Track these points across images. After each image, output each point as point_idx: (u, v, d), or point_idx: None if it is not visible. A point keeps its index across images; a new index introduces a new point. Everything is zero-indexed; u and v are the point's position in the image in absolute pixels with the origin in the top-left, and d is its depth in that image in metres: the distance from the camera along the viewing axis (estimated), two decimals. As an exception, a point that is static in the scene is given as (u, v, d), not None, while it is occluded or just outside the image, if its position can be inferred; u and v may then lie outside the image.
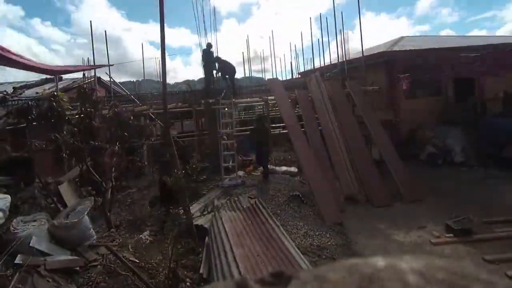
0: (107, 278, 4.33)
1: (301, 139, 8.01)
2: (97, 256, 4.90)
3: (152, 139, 7.64)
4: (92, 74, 13.04)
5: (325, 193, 6.60)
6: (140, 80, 14.51)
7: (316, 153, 7.75)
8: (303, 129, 8.54)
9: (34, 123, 7.37)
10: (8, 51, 6.62)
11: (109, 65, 12.34)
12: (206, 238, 5.34)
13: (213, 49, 11.94)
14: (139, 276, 4.17)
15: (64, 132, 6.27)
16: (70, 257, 4.81)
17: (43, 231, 5.12)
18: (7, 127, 8.48)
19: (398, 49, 11.62)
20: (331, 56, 12.72)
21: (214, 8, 13.71)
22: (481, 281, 0.31)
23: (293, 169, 8.87)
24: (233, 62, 12.47)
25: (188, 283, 4.50)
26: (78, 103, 6.76)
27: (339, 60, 11.87)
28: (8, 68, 8.17)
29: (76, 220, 5.36)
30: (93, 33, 11.25)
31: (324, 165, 7.49)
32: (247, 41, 15.75)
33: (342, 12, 12.68)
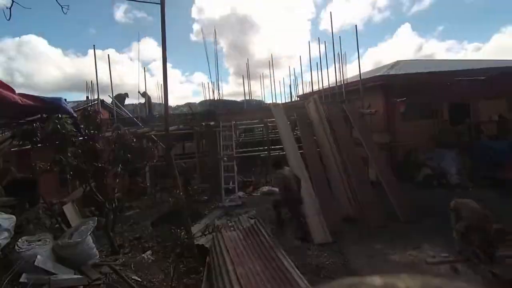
0: (110, 296, 4.41)
1: (298, 166, 8.16)
2: (100, 275, 5.00)
3: (154, 161, 7.81)
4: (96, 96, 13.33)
5: (315, 217, 6.71)
6: (142, 102, 14.77)
7: (314, 174, 7.92)
8: (301, 151, 8.77)
9: (39, 145, 7.54)
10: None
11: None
12: (207, 258, 5.44)
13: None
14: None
15: (68, 154, 6.37)
16: (74, 276, 4.90)
17: (48, 251, 5.23)
18: (12, 149, 8.67)
19: (394, 73, 11.93)
20: (329, 79, 13.06)
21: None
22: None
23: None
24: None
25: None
26: (82, 126, 6.92)
27: (337, 84, 12.20)
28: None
29: (80, 239, 5.47)
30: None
31: (321, 186, 7.65)
32: (247, 64, 16.26)
33: (340, 37, 13.11)
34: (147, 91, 14.43)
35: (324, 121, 9.45)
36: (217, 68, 15.12)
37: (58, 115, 6.94)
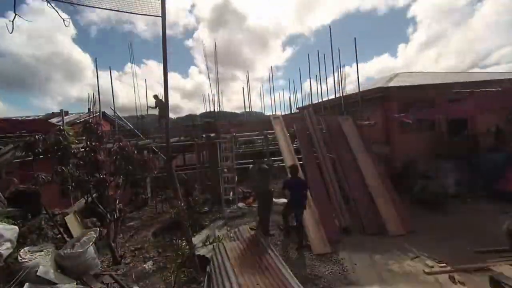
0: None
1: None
2: (102, 285, 5.07)
3: (155, 172, 7.89)
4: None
5: (314, 227, 6.81)
6: (144, 114, 14.91)
7: (313, 185, 8.01)
8: (301, 162, 8.88)
9: (41, 156, 7.62)
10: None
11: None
12: (208, 268, 5.50)
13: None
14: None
15: (70, 165, 6.45)
16: (76, 286, 4.95)
17: (50, 261, 5.29)
18: (15, 160, 8.76)
19: (393, 85, 12.02)
20: (328, 91, 13.24)
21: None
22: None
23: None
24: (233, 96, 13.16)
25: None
26: (84, 137, 7.00)
27: (336, 96, 12.36)
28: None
29: (82, 250, 5.55)
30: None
31: (320, 197, 7.73)
32: (247, 77, 16.49)
33: (339, 49, 13.25)
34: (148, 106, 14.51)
35: (318, 134, 9.60)
36: (217, 83, 15.30)
37: (60, 127, 7.05)
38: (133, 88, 14.98)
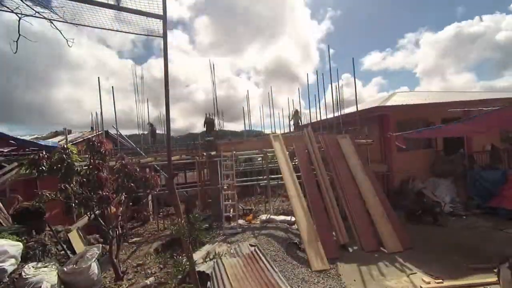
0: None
1: (296, 195, 8.45)
2: (105, 300, 5.14)
3: (157, 190, 8.03)
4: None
5: (312, 244, 6.92)
6: (146, 133, 15.16)
7: (313, 203, 8.15)
8: (300, 180, 9.04)
9: (45, 174, 7.75)
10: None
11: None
12: (208, 284, 5.59)
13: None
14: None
15: (74, 182, 6.57)
16: (79, 301, 5.05)
17: (54, 277, 5.40)
18: (19, 178, 8.91)
19: (390, 104, 12.23)
20: (327, 110, 13.48)
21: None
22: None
23: (291, 218, 9.14)
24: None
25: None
26: (87, 155, 7.15)
27: (335, 115, 12.60)
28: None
29: (85, 266, 5.66)
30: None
31: (319, 214, 7.87)
32: (247, 96, 16.80)
33: (337, 69, 13.65)
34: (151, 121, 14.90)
35: (316, 151, 9.80)
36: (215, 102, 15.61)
37: (64, 146, 7.20)
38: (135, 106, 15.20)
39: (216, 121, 15.54)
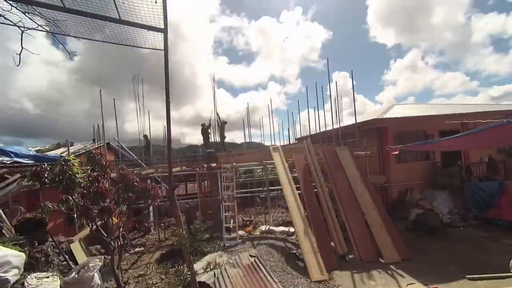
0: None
1: (296, 206, 8.55)
2: (107, 310, 5.20)
3: (158, 201, 8.10)
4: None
5: (312, 255, 6.99)
6: (146, 145, 15.30)
7: (311, 213, 8.25)
8: (299, 192, 9.15)
9: (47, 185, 7.82)
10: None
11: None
12: (209, 294, 5.66)
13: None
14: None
15: (75, 194, 6.67)
16: (81, 311, 5.11)
17: (56, 287, 5.46)
18: (22, 189, 9.01)
19: (389, 117, 12.32)
20: (326, 122, 13.62)
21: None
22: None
23: (291, 229, 9.21)
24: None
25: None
26: (88, 167, 7.27)
27: (334, 127, 12.75)
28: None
29: (87, 276, 5.73)
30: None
31: (318, 225, 7.96)
32: (247, 108, 17.01)
33: (336, 82, 13.72)
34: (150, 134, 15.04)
35: (315, 163, 9.93)
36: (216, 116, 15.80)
37: (65, 158, 7.30)
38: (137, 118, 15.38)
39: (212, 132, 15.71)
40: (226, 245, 8.31)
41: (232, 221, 9.50)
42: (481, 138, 6.24)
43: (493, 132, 5.50)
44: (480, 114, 11.76)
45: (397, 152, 8.55)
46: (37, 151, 14.65)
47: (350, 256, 7.41)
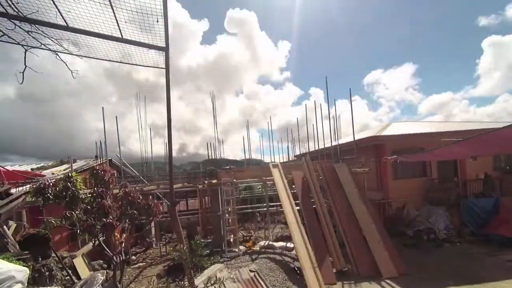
0: None
1: (295, 222, 8.66)
2: (109, 324, 5.29)
3: (160, 217, 8.23)
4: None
5: (311, 270, 7.07)
6: (148, 162, 15.50)
7: (311, 230, 8.38)
8: (298, 208, 9.30)
9: (50, 201, 7.94)
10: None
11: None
12: (209, 308, 5.74)
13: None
14: None
15: (78, 210, 6.81)
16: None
17: (60, 301, 5.57)
18: (26, 205, 9.14)
19: (386, 134, 12.63)
20: (325, 139, 13.81)
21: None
22: None
23: (290, 244, 9.30)
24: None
25: None
26: (92, 183, 7.41)
27: (332, 144, 12.97)
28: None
29: (90, 291, 5.84)
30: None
31: (317, 241, 8.08)
32: (247, 126, 17.25)
33: (334, 100, 13.97)
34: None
35: (314, 179, 10.10)
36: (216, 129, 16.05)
37: (68, 174, 7.47)
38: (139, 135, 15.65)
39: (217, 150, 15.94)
40: (226, 260, 8.41)
41: (232, 236, 9.62)
42: (477, 145, 6.40)
43: (492, 137, 5.65)
44: (477, 131, 11.95)
45: (392, 161, 8.73)
46: (39, 168, 14.84)
47: (348, 270, 7.51)
